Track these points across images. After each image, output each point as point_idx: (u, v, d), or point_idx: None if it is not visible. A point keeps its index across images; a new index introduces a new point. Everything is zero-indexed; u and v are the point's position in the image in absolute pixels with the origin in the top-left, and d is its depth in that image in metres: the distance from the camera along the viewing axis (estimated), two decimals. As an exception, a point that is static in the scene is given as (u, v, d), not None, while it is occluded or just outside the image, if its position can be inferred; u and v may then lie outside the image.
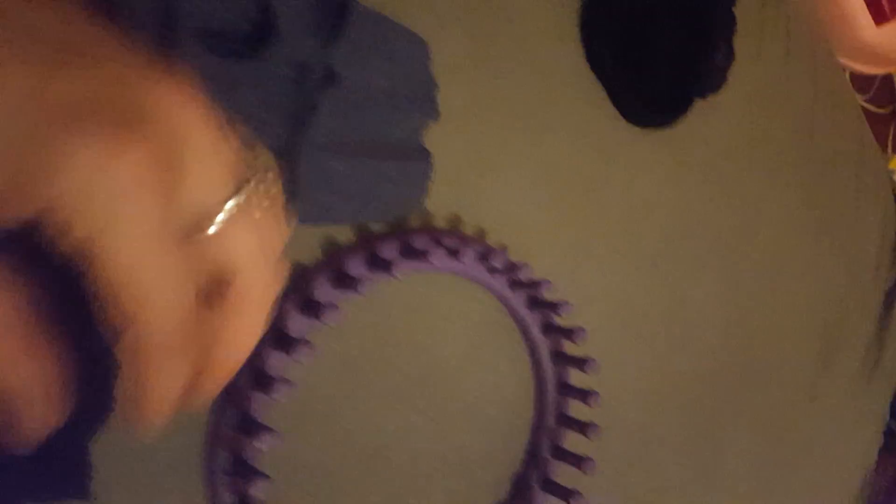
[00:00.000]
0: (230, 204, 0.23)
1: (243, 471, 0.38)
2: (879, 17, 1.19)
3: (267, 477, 0.38)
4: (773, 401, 0.72)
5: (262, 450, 0.36)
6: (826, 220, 0.79)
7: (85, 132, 0.18)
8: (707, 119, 0.66)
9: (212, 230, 0.22)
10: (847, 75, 0.87)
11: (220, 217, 0.22)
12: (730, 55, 0.59)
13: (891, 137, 1.11)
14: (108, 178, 0.18)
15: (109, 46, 0.21)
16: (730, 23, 0.59)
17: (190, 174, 0.21)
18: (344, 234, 0.45)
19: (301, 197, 0.41)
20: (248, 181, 0.23)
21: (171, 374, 0.22)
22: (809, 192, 0.77)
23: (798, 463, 0.75)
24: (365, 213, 0.44)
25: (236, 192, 0.23)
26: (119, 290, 0.20)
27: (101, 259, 0.19)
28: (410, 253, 0.44)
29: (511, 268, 0.48)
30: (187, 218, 0.22)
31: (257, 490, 0.37)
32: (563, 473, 0.52)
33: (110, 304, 0.20)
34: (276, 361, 0.39)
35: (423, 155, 0.46)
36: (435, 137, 0.47)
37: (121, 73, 0.20)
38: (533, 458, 0.52)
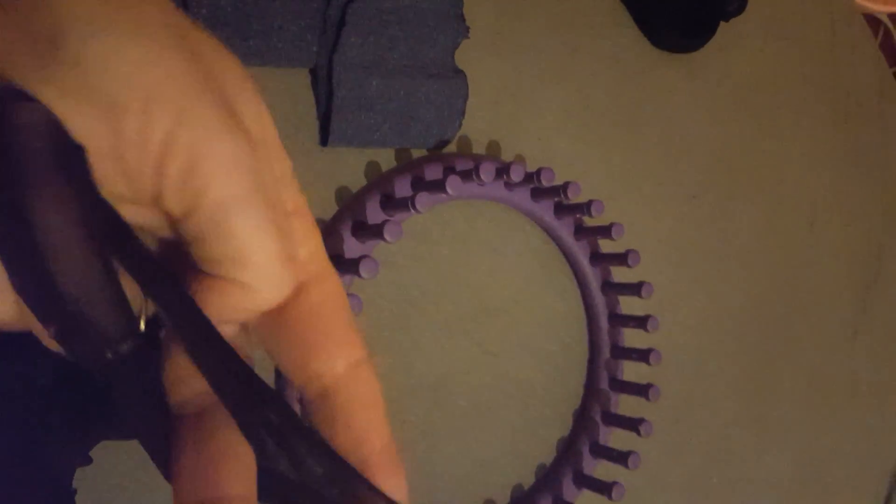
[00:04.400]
0: None
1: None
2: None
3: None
4: (817, 337, 0.70)
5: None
6: (855, 155, 0.78)
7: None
8: (730, 50, 0.64)
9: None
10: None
11: None
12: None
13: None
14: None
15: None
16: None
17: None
18: (387, 160, 0.43)
19: (342, 116, 0.40)
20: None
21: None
22: (837, 127, 0.76)
23: (844, 402, 0.73)
24: (406, 136, 0.42)
25: None
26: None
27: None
28: (455, 174, 0.42)
29: (560, 189, 0.46)
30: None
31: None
32: (624, 405, 0.51)
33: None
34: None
35: (458, 75, 0.44)
36: (467, 60, 0.46)
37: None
38: (592, 392, 0.50)
